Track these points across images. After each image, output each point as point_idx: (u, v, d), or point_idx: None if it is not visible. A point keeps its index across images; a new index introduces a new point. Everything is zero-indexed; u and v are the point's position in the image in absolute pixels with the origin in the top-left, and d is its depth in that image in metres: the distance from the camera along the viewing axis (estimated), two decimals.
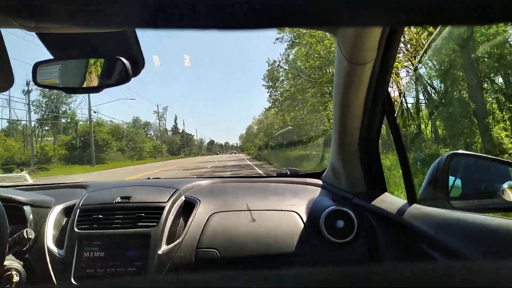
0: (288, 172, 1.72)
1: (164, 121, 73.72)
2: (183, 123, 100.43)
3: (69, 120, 41.52)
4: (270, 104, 28.12)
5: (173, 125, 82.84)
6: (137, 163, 35.06)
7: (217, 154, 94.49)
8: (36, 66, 0.82)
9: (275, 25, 0.22)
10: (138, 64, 0.77)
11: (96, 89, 0.84)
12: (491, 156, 1.10)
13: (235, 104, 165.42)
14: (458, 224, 0.79)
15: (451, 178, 1.00)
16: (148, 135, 65.13)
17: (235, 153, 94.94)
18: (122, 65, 0.76)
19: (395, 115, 1.03)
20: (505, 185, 1.00)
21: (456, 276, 0.28)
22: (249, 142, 62.94)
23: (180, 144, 75.94)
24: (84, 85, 0.82)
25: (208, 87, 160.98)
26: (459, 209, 0.91)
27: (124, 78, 0.77)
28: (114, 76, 0.79)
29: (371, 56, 0.90)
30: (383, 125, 1.11)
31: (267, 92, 27.03)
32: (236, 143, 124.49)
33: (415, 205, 0.98)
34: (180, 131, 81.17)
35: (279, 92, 25.41)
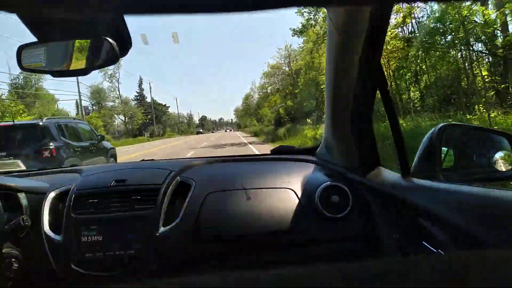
0: (282, 150, 1.72)
1: (117, 83, 46.96)
2: (150, 87, 59.38)
3: None
4: (304, 21, 16.14)
5: (137, 92, 54.44)
6: None
7: (201, 132, 68.54)
8: (21, 49, 0.80)
9: (268, 7, 0.21)
10: (125, 43, 0.76)
11: (83, 72, 0.83)
12: (483, 127, 1.10)
13: (230, 76, 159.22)
14: (451, 196, 0.80)
15: (444, 150, 1.00)
16: (103, 107, 43.67)
17: (230, 130, 77.86)
18: (109, 46, 0.74)
19: (388, 87, 1.03)
20: (498, 155, 1.01)
21: (456, 269, 0.28)
22: (248, 116, 46.32)
23: (144, 120, 51.25)
24: (71, 68, 0.80)
25: (198, 57, 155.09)
26: (452, 180, 0.92)
27: (112, 58, 0.76)
28: (102, 57, 0.78)
29: (363, 28, 0.89)
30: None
31: None
32: (231, 119, 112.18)
33: (408, 178, 0.99)
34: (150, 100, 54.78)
35: None
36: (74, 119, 8.44)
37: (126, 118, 48.54)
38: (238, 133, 46.43)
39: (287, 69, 24.68)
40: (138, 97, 54.44)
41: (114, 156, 8.93)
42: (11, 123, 6.56)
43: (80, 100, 28.20)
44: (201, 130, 75.48)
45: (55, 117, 7.57)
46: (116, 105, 47.95)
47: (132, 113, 48.53)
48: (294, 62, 22.38)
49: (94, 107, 44.18)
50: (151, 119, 52.76)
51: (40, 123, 6.42)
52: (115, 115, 46.70)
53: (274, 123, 24.05)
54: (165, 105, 62.50)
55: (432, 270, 0.28)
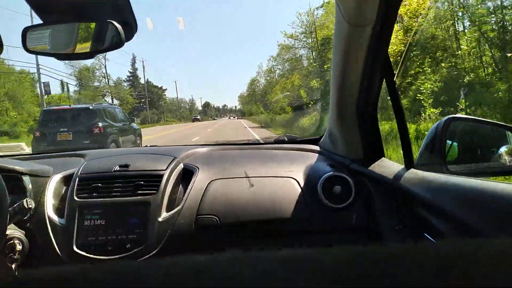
0: (286, 139, 1.72)
1: (103, 60, 38.89)
2: (143, 66, 50.47)
3: None
4: None
5: (130, 71, 46.17)
6: None
7: (198, 120, 54.01)
8: (26, 31, 0.79)
9: None
10: (130, 27, 0.75)
11: (88, 55, 0.82)
12: (489, 120, 1.09)
13: (235, 60, 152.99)
14: (454, 189, 0.80)
15: (448, 143, 1.00)
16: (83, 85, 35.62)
17: (234, 117, 70.42)
18: (114, 29, 0.73)
19: (394, 79, 1.02)
20: (503, 149, 1.01)
21: (457, 256, 0.28)
22: (253, 103, 39.52)
23: (137, 103, 43.36)
24: (76, 51, 0.80)
25: (201, 40, 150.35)
26: (456, 173, 0.92)
27: (117, 42, 0.75)
28: (107, 40, 0.77)
29: (371, 18, 0.87)
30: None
31: None
32: (235, 106, 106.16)
33: (412, 170, 0.99)
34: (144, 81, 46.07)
35: None
36: (111, 104, 10.98)
37: (116, 102, 39.77)
38: (243, 121, 39.27)
39: (309, 41, 19.76)
40: (131, 77, 46.85)
41: (140, 135, 10.87)
42: (68, 106, 9.24)
43: (39, 75, 21.37)
44: (198, 117, 58.52)
45: (100, 103, 10.30)
46: (102, 85, 40.52)
47: (123, 95, 40.86)
48: (319, 31, 17.54)
49: (80, 89, 37.79)
50: (145, 103, 44.77)
51: (91, 107, 8.62)
52: (101, 97, 37.26)
53: (293, 109, 18.06)
54: (161, 87, 53.84)
55: (433, 257, 0.28)
